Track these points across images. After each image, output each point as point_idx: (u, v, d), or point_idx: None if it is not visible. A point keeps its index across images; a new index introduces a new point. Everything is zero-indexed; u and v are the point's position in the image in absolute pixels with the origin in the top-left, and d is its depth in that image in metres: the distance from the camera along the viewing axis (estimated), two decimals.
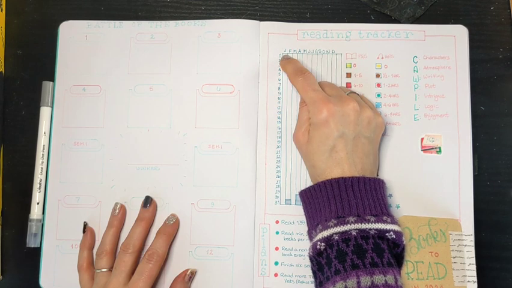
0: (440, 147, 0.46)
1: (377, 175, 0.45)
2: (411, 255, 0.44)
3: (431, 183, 0.45)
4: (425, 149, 0.46)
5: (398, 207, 0.45)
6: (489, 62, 0.48)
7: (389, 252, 0.38)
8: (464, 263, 0.44)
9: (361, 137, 0.42)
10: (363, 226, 0.38)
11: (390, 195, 0.45)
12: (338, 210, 0.39)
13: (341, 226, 0.38)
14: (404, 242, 0.40)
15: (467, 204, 0.45)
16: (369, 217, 0.39)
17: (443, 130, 0.46)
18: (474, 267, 0.44)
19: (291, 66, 0.46)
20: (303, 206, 0.43)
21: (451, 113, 0.46)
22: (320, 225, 0.40)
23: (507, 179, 0.46)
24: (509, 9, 0.49)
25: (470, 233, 0.44)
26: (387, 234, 0.39)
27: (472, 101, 0.46)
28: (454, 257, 0.44)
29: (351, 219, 0.39)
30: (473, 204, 0.45)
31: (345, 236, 0.38)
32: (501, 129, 0.47)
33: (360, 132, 0.42)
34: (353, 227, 0.38)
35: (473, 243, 0.44)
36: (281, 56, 0.48)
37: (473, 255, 0.44)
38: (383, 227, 0.38)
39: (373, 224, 0.38)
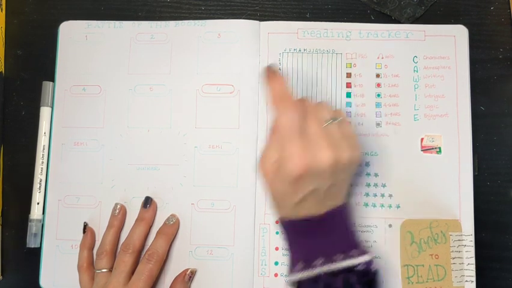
0: (440, 147, 0.46)
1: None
2: (412, 259, 0.44)
3: (431, 183, 0.45)
4: (425, 149, 0.46)
5: (398, 207, 0.45)
6: (489, 62, 0.48)
7: (359, 283, 0.37)
8: (463, 263, 0.44)
9: (335, 183, 0.39)
10: (331, 267, 0.37)
11: (391, 196, 0.45)
12: (304, 254, 0.38)
13: (309, 270, 0.37)
14: (375, 268, 0.39)
15: (467, 204, 0.45)
16: (336, 256, 0.38)
17: (443, 130, 0.46)
18: (473, 267, 0.44)
19: (278, 88, 0.40)
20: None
21: (451, 113, 0.46)
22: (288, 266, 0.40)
23: (507, 179, 0.46)
24: (509, 9, 0.49)
25: (470, 233, 0.45)
26: (355, 268, 0.38)
27: (472, 101, 0.46)
28: (454, 258, 0.44)
29: (319, 262, 0.38)
30: (473, 204, 0.45)
31: (314, 278, 0.37)
32: (501, 129, 0.47)
33: (336, 180, 0.39)
34: (320, 270, 0.37)
35: (472, 243, 0.44)
36: (265, 66, 0.43)
37: (473, 255, 0.44)
38: (351, 263, 0.38)
39: (341, 262, 0.37)
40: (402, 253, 0.44)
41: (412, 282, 0.44)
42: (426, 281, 0.44)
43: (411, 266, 0.44)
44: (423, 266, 0.44)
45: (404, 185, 0.45)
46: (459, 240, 0.44)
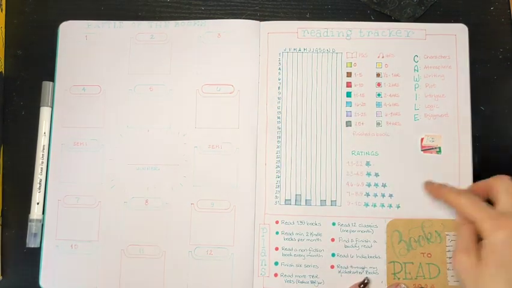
0: (440, 147, 0.46)
1: None
2: (400, 257, 0.44)
3: None
4: (425, 149, 0.46)
5: (398, 207, 0.45)
6: (489, 62, 0.48)
7: None
8: None
9: None
10: None
11: (391, 195, 0.45)
12: None
13: None
14: None
15: None
16: None
17: (443, 130, 0.46)
18: None
19: (447, 189, 0.42)
20: None
21: (451, 113, 0.46)
22: None
23: None
24: (509, 9, 0.49)
25: None
26: None
27: (472, 101, 0.46)
28: (450, 257, 0.44)
29: None
30: None
31: None
32: (501, 129, 0.47)
33: None
34: None
35: None
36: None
37: None
38: None
39: None
40: (388, 251, 0.44)
41: (398, 278, 0.44)
42: (416, 278, 0.44)
43: (398, 263, 0.44)
44: (412, 263, 0.44)
45: (404, 185, 0.45)
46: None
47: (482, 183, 0.42)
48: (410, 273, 0.44)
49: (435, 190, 0.44)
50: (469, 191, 0.42)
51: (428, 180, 0.45)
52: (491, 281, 0.35)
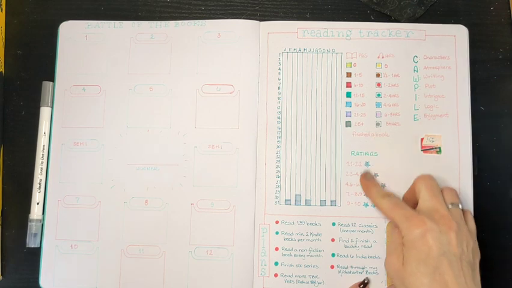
0: (440, 147, 0.46)
1: None
2: None
3: None
4: (425, 149, 0.46)
5: None
6: (489, 62, 0.48)
7: None
8: None
9: (463, 260, 0.37)
10: None
11: None
12: None
13: None
14: None
15: (466, 204, 0.45)
16: None
17: (443, 130, 0.46)
18: None
19: (375, 190, 0.43)
20: None
21: (451, 113, 0.46)
22: None
23: (507, 179, 0.46)
24: (509, 9, 0.49)
25: None
26: None
27: (472, 101, 0.46)
28: None
29: None
30: (473, 204, 0.45)
31: None
32: (501, 129, 0.47)
33: (463, 254, 0.37)
34: None
35: None
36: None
37: None
38: None
39: None
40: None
41: None
42: None
43: None
44: None
45: (404, 185, 0.45)
46: None
47: (411, 186, 0.43)
48: None
49: (365, 187, 0.45)
50: (394, 195, 0.43)
51: (367, 171, 0.46)
52: (414, 277, 0.36)
